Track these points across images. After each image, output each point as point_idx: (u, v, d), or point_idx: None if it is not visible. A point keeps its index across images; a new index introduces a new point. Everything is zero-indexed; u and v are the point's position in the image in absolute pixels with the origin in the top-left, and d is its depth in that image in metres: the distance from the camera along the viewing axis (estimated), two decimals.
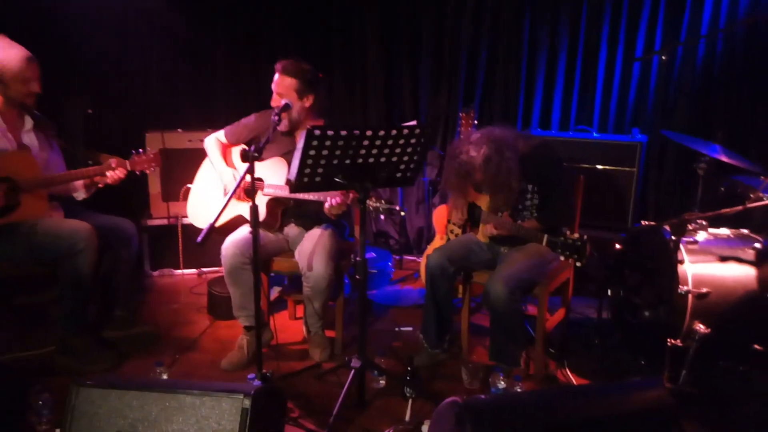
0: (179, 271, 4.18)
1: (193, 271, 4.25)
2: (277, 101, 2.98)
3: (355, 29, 4.61)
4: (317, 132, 2.25)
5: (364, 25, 4.59)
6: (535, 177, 2.85)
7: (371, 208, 2.61)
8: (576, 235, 2.50)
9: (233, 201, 3.09)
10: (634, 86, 4.07)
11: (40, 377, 2.80)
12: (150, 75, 4.53)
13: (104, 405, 2.00)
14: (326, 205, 2.84)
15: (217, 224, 3.08)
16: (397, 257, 4.55)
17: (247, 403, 1.93)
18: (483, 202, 2.97)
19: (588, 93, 4.22)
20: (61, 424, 2.00)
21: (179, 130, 4.17)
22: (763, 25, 3.70)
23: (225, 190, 3.14)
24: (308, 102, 3.02)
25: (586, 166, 3.83)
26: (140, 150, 3.06)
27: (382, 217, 2.69)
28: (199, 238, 2.26)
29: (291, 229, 3.19)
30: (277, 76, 2.99)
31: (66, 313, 2.93)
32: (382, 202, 2.63)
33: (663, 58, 3.24)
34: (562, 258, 2.54)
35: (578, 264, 2.52)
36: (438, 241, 3.27)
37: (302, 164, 2.32)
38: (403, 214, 2.84)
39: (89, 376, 2.09)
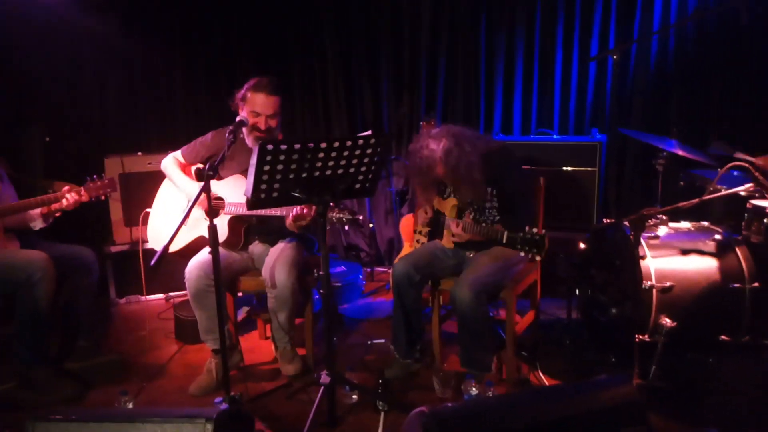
0: (145, 297, 4.10)
1: (160, 296, 4.17)
2: (267, 124, 2.91)
3: (313, 47, 4.61)
4: (270, 146, 2.22)
5: (323, 42, 4.59)
6: (494, 179, 2.85)
7: (335, 219, 2.59)
8: (535, 230, 2.50)
9: (195, 222, 3.05)
10: (591, 87, 4.12)
11: (2, 414, 2.73)
12: (107, 99, 4.47)
13: None
14: (288, 219, 2.81)
15: (179, 247, 3.08)
16: (368, 269, 4.53)
17: (210, 427, 1.89)
18: (447, 208, 2.97)
19: (547, 96, 4.26)
20: None
21: (139, 153, 4.11)
22: (712, 20, 3.78)
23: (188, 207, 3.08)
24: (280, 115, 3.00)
25: (549, 168, 3.85)
26: (95, 176, 3.00)
27: (347, 228, 2.67)
28: (153, 261, 2.22)
29: (256, 247, 3.15)
30: (263, 98, 2.87)
31: (24, 346, 2.85)
32: (346, 212, 2.60)
33: (615, 57, 3.28)
34: (522, 254, 2.52)
35: (537, 258, 2.50)
36: (406, 250, 3.25)
37: (257, 180, 2.29)
38: (371, 225, 2.82)
39: (47, 410, 2.02)
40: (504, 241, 2.57)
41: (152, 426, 1.91)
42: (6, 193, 3.05)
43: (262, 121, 2.91)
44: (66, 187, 2.91)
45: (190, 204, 2.49)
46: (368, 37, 4.55)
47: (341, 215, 2.57)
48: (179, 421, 1.90)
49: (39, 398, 2.81)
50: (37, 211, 2.96)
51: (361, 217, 2.63)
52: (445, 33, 4.39)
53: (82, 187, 2.95)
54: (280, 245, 3.03)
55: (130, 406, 2.61)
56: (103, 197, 3.02)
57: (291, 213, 2.77)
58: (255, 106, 2.90)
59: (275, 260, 2.92)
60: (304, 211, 2.74)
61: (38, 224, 3.02)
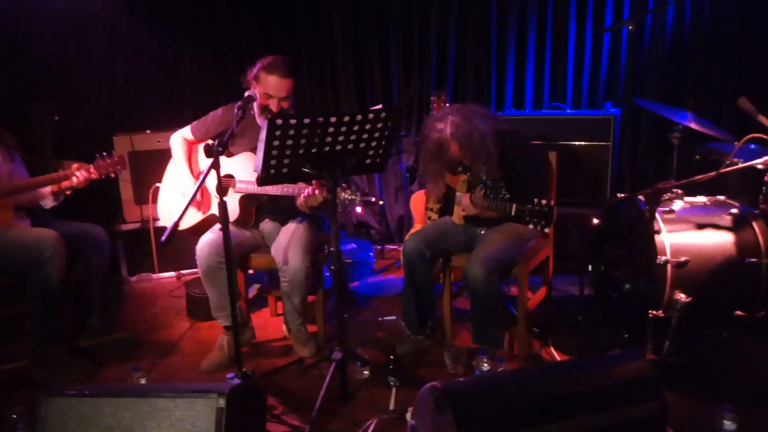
0: (157, 275, 4.11)
1: (172, 273, 4.18)
2: (279, 106, 2.86)
3: (322, 19, 4.55)
4: (279, 121, 2.19)
5: (331, 14, 4.53)
6: (503, 161, 2.79)
7: (347, 200, 2.56)
8: (543, 201, 2.46)
9: (205, 200, 3.04)
10: (605, 59, 4.04)
11: (15, 390, 2.75)
12: (115, 78, 4.45)
13: (75, 414, 1.95)
14: (300, 198, 2.78)
15: (190, 225, 3.07)
16: (379, 247, 4.51)
17: (222, 402, 1.89)
18: (457, 183, 2.93)
19: (559, 69, 4.18)
20: None
21: (148, 131, 4.10)
22: None
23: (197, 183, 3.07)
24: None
25: (562, 143, 3.79)
26: (104, 154, 2.99)
27: (359, 209, 2.64)
28: (163, 237, 2.21)
29: (266, 225, 3.13)
30: (277, 80, 2.81)
31: (38, 324, 2.87)
32: (358, 194, 2.57)
33: (630, 28, 3.20)
34: (530, 226, 2.49)
35: (546, 230, 2.47)
36: (417, 228, 3.23)
37: (267, 155, 2.27)
38: (381, 203, 2.79)
39: (59, 387, 2.04)
40: (513, 213, 2.53)
41: (165, 401, 1.91)
42: (17, 171, 3.05)
43: (274, 103, 2.86)
44: (75, 165, 2.90)
45: (200, 180, 2.47)
46: (377, 12, 4.48)
47: (353, 196, 2.55)
48: (192, 396, 1.90)
49: (52, 375, 2.84)
50: (48, 189, 2.96)
51: (373, 198, 2.60)
52: (455, 5, 4.31)
53: (91, 165, 2.94)
54: (292, 225, 3.01)
55: (143, 382, 2.63)
56: (113, 175, 3.01)
57: (302, 193, 2.75)
58: (268, 87, 2.84)
59: (288, 242, 2.90)
60: (316, 192, 2.71)
61: (49, 203, 3.02)
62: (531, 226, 2.49)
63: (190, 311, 3.55)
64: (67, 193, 3.00)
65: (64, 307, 3.00)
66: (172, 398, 1.91)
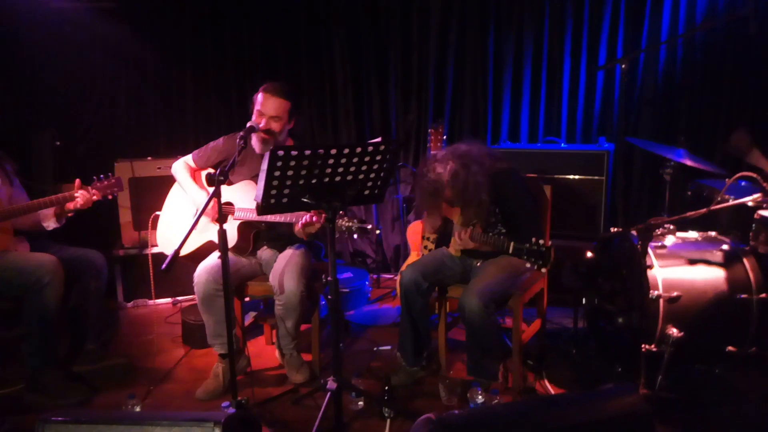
0: (153, 301, 4.12)
1: (168, 300, 4.18)
2: (268, 125, 2.95)
3: (322, 52, 4.65)
4: (281, 152, 2.24)
5: (332, 47, 4.62)
6: (498, 200, 2.86)
7: (344, 228, 2.59)
8: (541, 242, 2.50)
9: (204, 226, 3.07)
10: (599, 95, 4.13)
11: (9, 416, 2.74)
12: (118, 104, 4.52)
13: None
14: (297, 225, 2.82)
15: (188, 251, 3.10)
16: (375, 276, 4.53)
17: (218, 431, 1.89)
18: (455, 215, 2.98)
19: (554, 104, 4.27)
20: None
21: (149, 158, 4.14)
22: (720, 29, 3.79)
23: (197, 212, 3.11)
24: (291, 124, 3.03)
25: (556, 176, 3.85)
26: (101, 176, 3.04)
27: (356, 236, 2.68)
28: (164, 266, 2.23)
29: (264, 252, 3.16)
30: (268, 98, 2.93)
31: (33, 349, 2.86)
32: (355, 221, 2.61)
33: (623, 66, 3.29)
34: (528, 264, 2.53)
35: (543, 270, 2.52)
36: (413, 258, 3.26)
37: (267, 185, 2.31)
38: (378, 232, 2.83)
39: (55, 412, 2.03)
40: (510, 251, 2.57)
41: (161, 429, 1.91)
42: (17, 196, 3.08)
43: (264, 120, 2.94)
44: (77, 181, 2.95)
45: (201, 208, 2.51)
46: (377, 46, 4.58)
47: (350, 224, 2.58)
48: (188, 425, 1.90)
49: (47, 401, 2.83)
50: (51, 210, 2.99)
51: (369, 226, 2.64)
52: (453, 40, 4.41)
53: (89, 187, 2.99)
54: (289, 252, 3.05)
55: (138, 409, 2.63)
56: (110, 197, 3.05)
57: (300, 220, 2.79)
58: (260, 105, 2.95)
59: (284, 267, 2.94)
60: (314, 218, 2.76)
61: (51, 224, 3.04)
62: (528, 265, 2.53)
63: (186, 338, 3.55)
64: (69, 214, 3.04)
65: (60, 332, 3.00)
66: (168, 426, 1.92)
